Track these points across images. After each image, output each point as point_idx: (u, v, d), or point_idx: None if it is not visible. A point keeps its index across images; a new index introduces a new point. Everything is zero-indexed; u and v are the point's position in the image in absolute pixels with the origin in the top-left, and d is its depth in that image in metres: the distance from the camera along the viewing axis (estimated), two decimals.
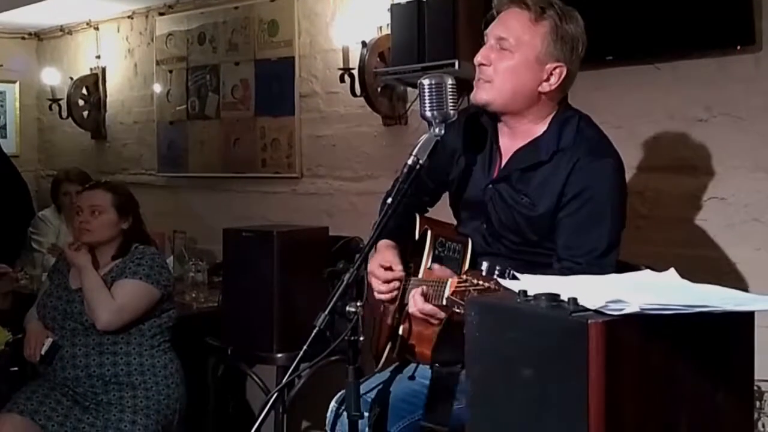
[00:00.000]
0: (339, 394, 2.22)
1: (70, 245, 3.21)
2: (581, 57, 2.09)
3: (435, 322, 2.02)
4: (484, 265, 1.72)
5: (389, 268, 2.17)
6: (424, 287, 2.01)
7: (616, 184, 2.04)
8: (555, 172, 2.03)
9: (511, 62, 2.04)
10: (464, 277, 1.76)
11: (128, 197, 3.29)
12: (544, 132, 2.09)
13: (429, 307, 1.99)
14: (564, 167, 2.02)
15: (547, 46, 2.03)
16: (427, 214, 2.36)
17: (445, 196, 2.39)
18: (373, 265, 2.18)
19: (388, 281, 2.17)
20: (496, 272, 1.73)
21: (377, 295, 2.19)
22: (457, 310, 1.75)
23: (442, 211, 2.40)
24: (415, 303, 2.02)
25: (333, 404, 2.25)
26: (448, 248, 2.14)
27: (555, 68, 2.04)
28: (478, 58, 2.09)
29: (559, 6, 2.07)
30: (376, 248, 2.19)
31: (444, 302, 1.82)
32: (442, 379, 2.07)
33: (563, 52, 2.04)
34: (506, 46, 2.04)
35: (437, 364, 2.08)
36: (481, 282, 1.71)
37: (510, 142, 2.15)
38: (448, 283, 1.81)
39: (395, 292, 2.19)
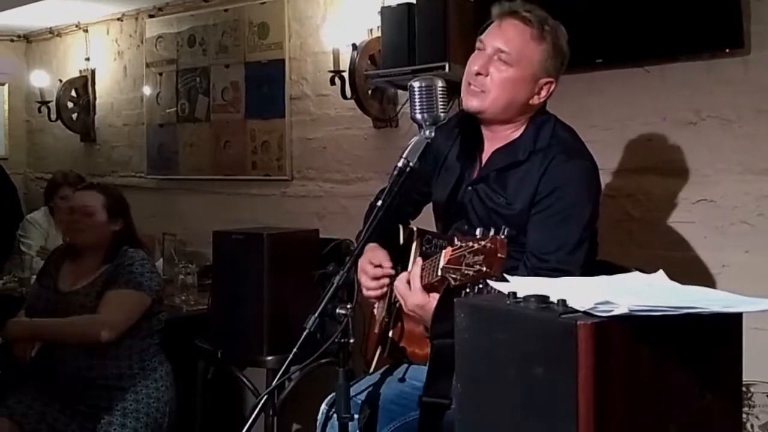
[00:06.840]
0: (329, 396, 2.22)
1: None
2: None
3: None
4: (478, 231, 1.68)
5: (379, 266, 2.18)
6: (408, 272, 1.99)
7: (587, 184, 2.07)
8: (530, 172, 2.06)
9: (508, 75, 2.06)
10: (458, 244, 1.68)
11: (120, 200, 3.28)
12: (522, 134, 2.13)
13: (417, 299, 1.94)
14: (539, 167, 2.05)
15: (543, 63, 2.07)
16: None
17: (427, 208, 2.41)
18: (363, 263, 2.19)
19: (377, 278, 2.18)
20: (491, 232, 1.66)
21: (366, 292, 2.19)
22: (453, 276, 1.68)
23: (422, 222, 2.40)
24: (400, 291, 1.99)
25: (323, 407, 2.25)
26: (435, 245, 2.13)
27: (546, 83, 2.10)
28: (475, 67, 2.09)
29: (551, 21, 2.10)
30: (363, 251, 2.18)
31: (439, 273, 1.75)
32: (443, 351, 2.02)
33: (555, 68, 2.09)
34: (506, 59, 2.06)
35: (437, 338, 2.02)
36: (475, 244, 1.63)
37: (489, 144, 2.19)
38: (442, 254, 1.75)
39: (384, 289, 2.20)
